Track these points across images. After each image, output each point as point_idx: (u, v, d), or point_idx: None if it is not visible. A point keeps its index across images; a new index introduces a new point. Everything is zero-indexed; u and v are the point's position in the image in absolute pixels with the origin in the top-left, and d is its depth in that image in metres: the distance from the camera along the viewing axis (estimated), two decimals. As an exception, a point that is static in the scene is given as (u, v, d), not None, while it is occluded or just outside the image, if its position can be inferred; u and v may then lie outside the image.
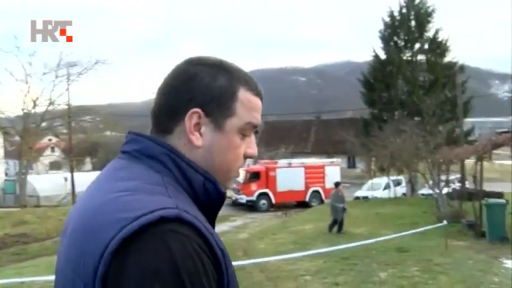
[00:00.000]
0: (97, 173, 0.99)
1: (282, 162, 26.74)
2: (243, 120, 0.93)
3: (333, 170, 25.19)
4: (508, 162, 54.64)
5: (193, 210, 0.82)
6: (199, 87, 0.91)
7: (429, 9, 31.91)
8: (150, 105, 0.97)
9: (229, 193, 28.99)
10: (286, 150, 36.44)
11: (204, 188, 0.89)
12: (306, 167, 25.72)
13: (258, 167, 26.51)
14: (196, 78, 0.92)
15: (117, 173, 0.88)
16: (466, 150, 12.68)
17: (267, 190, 25.02)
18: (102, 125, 37.38)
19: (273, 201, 25.00)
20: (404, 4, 32.12)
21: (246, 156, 0.97)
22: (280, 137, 40.49)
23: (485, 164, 40.26)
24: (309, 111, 63.35)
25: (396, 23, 31.85)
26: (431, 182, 17.53)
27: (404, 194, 27.08)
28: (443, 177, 17.36)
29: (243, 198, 25.03)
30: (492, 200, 11.20)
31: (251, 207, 24.81)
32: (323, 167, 26.10)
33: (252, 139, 0.98)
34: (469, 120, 50.65)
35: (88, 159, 46.88)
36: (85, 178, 22.65)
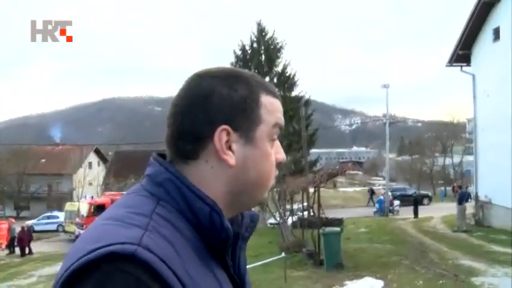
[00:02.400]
0: None
1: (130, 193, 25.25)
2: (270, 124, 0.88)
3: None
4: (350, 189, 59.83)
5: (168, 248, 0.73)
6: (220, 102, 0.85)
7: (279, 45, 33.61)
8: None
9: (72, 228, 26.77)
10: (135, 181, 34.60)
11: (210, 219, 0.81)
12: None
13: (102, 199, 24.89)
14: (215, 93, 0.85)
15: (124, 198, 0.86)
16: (306, 180, 13.05)
17: (112, 224, 23.32)
18: None
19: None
20: (255, 39, 33.40)
21: (277, 163, 0.91)
22: (131, 167, 38.57)
23: (330, 191, 43.54)
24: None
25: (248, 57, 32.88)
26: (276, 213, 17.84)
27: (253, 224, 27.27)
28: (288, 207, 17.78)
29: (87, 233, 22.93)
30: (328, 229, 11.56)
31: (95, 242, 22.85)
32: None
33: (279, 144, 0.92)
34: (315, 151, 54.47)
35: None
36: None
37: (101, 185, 45.53)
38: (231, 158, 0.85)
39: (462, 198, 18.75)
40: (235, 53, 32.91)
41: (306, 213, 16.07)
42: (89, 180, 47.82)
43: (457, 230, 17.60)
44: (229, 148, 0.85)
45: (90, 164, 51.82)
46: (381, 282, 9.31)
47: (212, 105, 0.85)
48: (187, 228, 0.80)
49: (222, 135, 0.84)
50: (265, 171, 0.88)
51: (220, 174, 0.85)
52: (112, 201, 23.75)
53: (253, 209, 0.98)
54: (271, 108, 0.89)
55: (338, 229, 11.58)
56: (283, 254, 10.34)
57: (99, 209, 23.38)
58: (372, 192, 41.21)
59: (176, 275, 0.71)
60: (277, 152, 0.91)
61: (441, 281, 9.19)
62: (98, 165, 53.87)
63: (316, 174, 11.85)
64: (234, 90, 0.86)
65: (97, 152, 54.83)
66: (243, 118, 0.86)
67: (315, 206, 13.30)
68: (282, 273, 10.33)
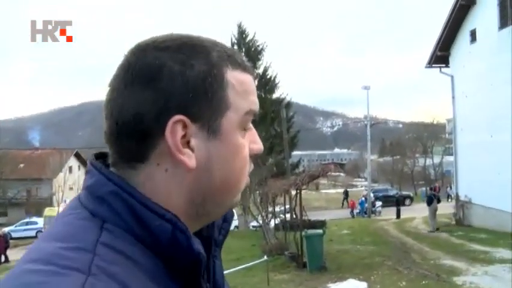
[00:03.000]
0: None
1: None
2: (242, 111, 0.68)
3: None
4: (332, 191, 60.15)
5: None
6: (171, 84, 0.63)
7: (259, 47, 33.66)
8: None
9: None
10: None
11: (173, 240, 0.61)
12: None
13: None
14: (163, 71, 0.63)
15: (58, 223, 0.63)
16: (288, 182, 13.00)
17: None
18: None
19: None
20: (235, 41, 33.38)
21: (253, 155, 0.72)
22: (112, 171, 38.27)
23: (313, 193, 43.67)
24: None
25: (228, 58, 32.88)
26: (259, 215, 17.77)
27: (236, 227, 27.26)
28: (271, 209, 17.72)
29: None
30: (310, 231, 11.52)
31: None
32: None
33: (254, 132, 0.72)
34: (297, 153, 54.64)
35: None
36: None
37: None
38: (189, 158, 0.64)
39: (430, 199, 18.94)
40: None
41: (288, 215, 16.04)
42: (69, 184, 47.10)
43: (431, 231, 17.85)
44: (187, 145, 0.65)
45: (70, 168, 51.06)
46: (364, 284, 9.28)
47: (160, 89, 0.63)
48: (143, 254, 0.61)
49: (175, 128, 0.63)
50: (236, 169, 0.69)
51: (177, 180, 0.65)
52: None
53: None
54: (242, 88, 0.68)
55: (320, 231, 11.55)
56: (265, 257, 10.26)
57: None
58: (346, 194, 41.19)
59: None
60: (252, 142, 0.72)
61: (424, 282, 9.21)
62: (79, 169, 53.05)
63: (297, 176, 11.79)
64: (189, 66, 0.64)
65: (77, 156, 54.03)
66: (204, 104, 0.65)
67: (297, 208, 13.26)
68: (265, 276, 10.24)
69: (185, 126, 0.64)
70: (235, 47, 33.20)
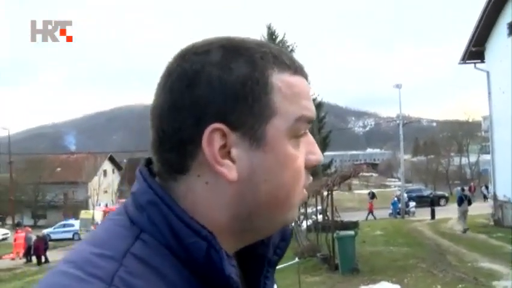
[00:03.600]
0: None
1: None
2: (291, 117, 0.61)
3: None
4: (365, 191, 59.42)
5: None
6: (209, 90, 0.59)
7: (289, 48, 33.58)
8: None
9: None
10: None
11: (208, 259, 0.58)
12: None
13: (116, 206, 25.01)
14: (201, 76, 0.60)
15: (101, 226, 0.64)
16: (319, 183, 12.89)
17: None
18: None
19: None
20: (265, 43, 33.43)
21: (309, 167, 0.65)
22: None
23: (346, 194, 43.11)
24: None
25: (259, 61, 33.05)
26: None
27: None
28: (302, 210, 17.61)
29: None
30: (342, 233, 11.37)
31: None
32: None
33: (311, 140, 0.66)
34: (329, 153, 54.18)
35: None
36: None
37: (115, 193, 45.83)
38: (229, 170, 0.60)
39: (461, 200, 18.67)
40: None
41: (320, 216, 15.89)
42: (104, 188, 48.21)
43: (462, 232, 17.56)
44: (228, 155, 0.60)
45: (105, 171, 52.26)
46: (397, 287, 9.07)
47: (197, 95, 0.59)
48: (178, 271, 0.58)
49: (213, 137, 0.59)
50: (286, 182, 0.62)
51: (219, 193, 0.61)
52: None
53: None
54: (291, 92, 0.62)
55: (352, 233, 11.38)
56: (296, 259, 10.16)
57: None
58: (372, 196, 38.73)
59: None
60: (309, 152, 0.65)
61: (460, 285, 8.91)
62: (113, 172, 54.33)
63: (329, 177, 11.66)
64: (227, 69, 0.60)
65: (111, 160, 55.30)
66: (244, 110, 0.60)
67: (329, 209, 13.12)
68: (296, 278, 10.12)
69: (224, 135, 0.60)
70: (265, 49, 33.21)
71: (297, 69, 0.64)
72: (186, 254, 0.58)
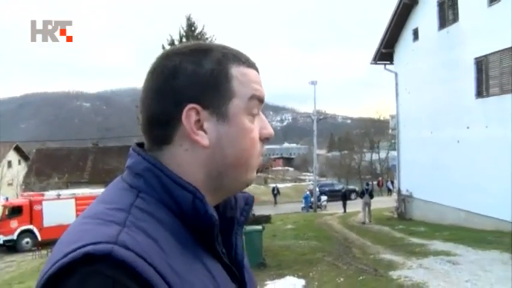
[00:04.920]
0: None
1: (50, 194, 23.71)
2: (245, 97, 0.83)
3: None
4: (281, 185, 60.50)
5: (149, 243, 0.70)
6: (186, 80, 0.81)
7: (208, 40, 33.12)
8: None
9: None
10: (59, 180, 33.03)
11: (193, 207, 0.77)
12: (77, 198, 23.17)
13: (20, 200, 23.29)
14: (179, 70, 0.81)
15: (104, 193, 0.84)
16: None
17: (31, 226, 21.82)
18: None
19: (39, 238, 21.85)
20: (183, 33, 32.68)
21: (263, 139, 0.86)
22: (54, 166, 36.49)
23: (262, 187, 43.40)
24: (93, 138, 59.33)
25: (177, 51, 32.35)
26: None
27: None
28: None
29: (0, 238, 21.36)
30: (249, 227, 11.33)
31: (11, 247, 21.36)
32: (96, 197, 24.14)
33: (263, 118, 0.87)
34: (247, 147, 54.43)
35: None
36: None
37: (21, 185, 42.83)
38: (202, 138, 0.80)
39: (363, 193, 20.64)
40: (163, 47, 31.98)
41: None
42: (7, 180, 44.87)
43: (362, 223, 19.04)
44: (201, 128, 0.80)
45: (9, 162, 48.61)
46: (302, 281, 9.20)
47: (178, 84, 0.80)
48: (171, 219, 0.76)
49: (190, 114, 0.79)
50: (244, 148, 0.82)
51: (196, 157, 0.81)
52: (31, 202, 22.39)
53: (247, 192, 0.92)
54: (244, 79, 0.83)
55: (259, 227, 11.37)
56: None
57: (15, 211, 21.80)
58: (277, 191, 39.64)
59: (157, 271, 0.67)
60: (262, 127, 0.86)
61: (361, 277, 9.22)
62: (19, 163, 50.69)
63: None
64: (199, 65, 0.81)
65: (18, 150, 51.59)
66: (213, 94, 0.81)
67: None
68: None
69: (197, 113, 0.80)
70: (184, 39, 32.42)
71: (250, 64, 0.86)
72: (176, 205, 0.77)
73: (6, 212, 21.75)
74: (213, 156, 0.81)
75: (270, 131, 0.86)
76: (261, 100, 0.85)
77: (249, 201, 0.92)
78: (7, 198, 27.34)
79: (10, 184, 45.02)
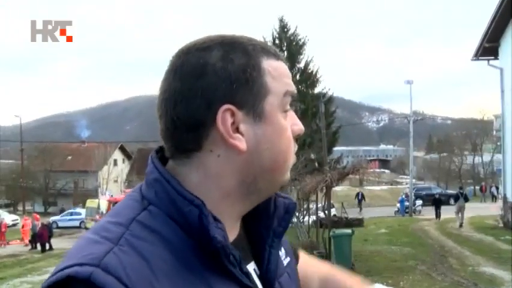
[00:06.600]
0: None
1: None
2: (280, 93, 0.76)
3: None
4: (377, 187, 58.78)
5: (138, 265, 0.64)
6: (216, 78, 0.72)
7: (301, 41, 33.09)
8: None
9: (92, 225, 26.91)
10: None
11: (200, 223, 0.69)
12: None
13: (122, 196, 25.02)
14: (207, 67, 0.72)
15: (120, 201, 0.78)
16: (317, 180, 12.54)
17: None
18: None
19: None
20: (277, 35, 32.96)
21: (295, 136, 0.79)
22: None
23: (356, 189, 42.11)
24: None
25: (270, 53, 32.69)
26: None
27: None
28: (305, 206, 17.31)
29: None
30: (338, 231, 11.03)
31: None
32: None
33: (293, 114, 0.79)
34: (340, 148, 53.64)
35: None
36: None
37: (124, 182, 45.97)
38: (240, 142, 0.72)
39: (457, 196, 20.41)
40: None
41: (320, 213, 15.56)
42: (113, 177, 48.41)
43: (461, 225, 19.07)
44: (237, 130, 0.72)
45: (115, 161, 52.48)
46: (391, 290, 8.75)
47: (207, 83, 0.71)
48: (178, 236, 0.69)
49: (225, 116, 0.71)
50: (283, 148, 0.76)
51: (230, 163, 0.73)
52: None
53: (290, 198, 0.84)
54: (277, 73, 0.76)
55: (348, 231, 11.00)
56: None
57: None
58: (362, 196, 36.41)
59: None
60: (293, 124, 0.78)
61: (457, 290, 8.57)
62: (123, 162, 54.51)
63: (327, 173, 11.31)
64: (229, 60, 0.72)
65: (122, 149, 55.50)
66: (246, 92, 0.73)
67: (328, 204, 12.80)
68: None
69: (233, 114, 0.72)
70: (277, 41, 32.75)
71: (279, 56, 0.78)
72: (184, 220, 0.70)
73: (111, 207, 23.45)
74: (249, 160, 0.73)
75: (301, 127, 0.79)
76: (293, 95, 0.77)
77: (290, 210, 0.83)
78: (112, 195, 29.43)
79: (115, 181, 48.59)
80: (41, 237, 22.11)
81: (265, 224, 0.80)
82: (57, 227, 30.78)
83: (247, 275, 0.74)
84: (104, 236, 0.66)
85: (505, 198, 19.31)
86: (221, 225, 0.70)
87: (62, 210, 38.84)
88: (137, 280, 0.62)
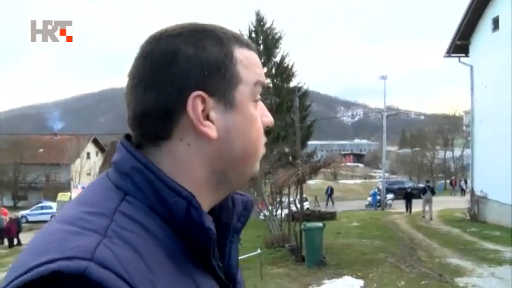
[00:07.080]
0: None
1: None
2: (251, 82, 0.74)
3: None
4: (350, 181, 59.48)
5: (132, 258, 0.59)
6: (187, 65, 0.70)
7: (277, 35, 33.07)
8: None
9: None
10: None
11: (187, 217, 0.67)
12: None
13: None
14: (179, 54, 0.70)
15: (85, 191, 0.72)
16: (289, 173, 12.58)
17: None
18: None
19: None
20: (253, 29, 32.87)
21: (264, 127, 0.78)
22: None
23: (330, 183, 42.51)
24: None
25: (245, 46, 32.61)
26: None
27: (247, 216, 26.93)
28: (278, 199, 17.35)
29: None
30: (310, 224, 11.10)
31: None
32: None
33: (263, 105, 0.78)
34: (314, 142, 53.98)
35: None
36: None
37: (97, 175, 45.25)
38: (211, 130, 0.70)
39: (425, 190, 21.53)
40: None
41: (293, 206, 15.63)
42: (86, 170, 47.62)
43: (423, 217, 20.27)
44: (207, 118, 0.70)
45: (88, 154, 51.59)
46: (360, 282, 8.85)
47: (178, 70, 0.69)
48: (160, 228, 0.65)
49: (196, 103, 0.69)
50: (253, 138, 0.74)
51: (200, 152, 0.71)
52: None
53: (247, 196, 0.83)
54: (248, 62, 0.74)
55: (319, 224, 11.09)
56: (259, 250, 9.91)
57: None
58: (331, 191, 36.29)
59: None
60: (263, 115, 0.77)
61: (424, 282, 8.71)
62: (96, 155, 53.68)
63: (299, 167, 11.36)
64: (201, 47, 0.70)
65: (95, 142, 54.59)
66: (218, 79, 0.71)
67: (301, 198, 12.86)
68: (261, 269, 9.92)
69: (203, 101, 0.69)
70: (253, 34, 32.63)
71: (250, 46, 0.76)
72: (168, 212, 0.66)
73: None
74: (219, 150, 0.71)
75: (271, 118, 0.78)
76: (263, 85, 0.76)
77: (248, 206, 0.81)
78: (83, 187, 28.99)
79: (89, 174, 47.79)
80: (8, 232, 21.59)
81: (225, 220, 0.78)
82: (27, 222, 30.14)
83: (220, 269, 0.73)
84: (85, 227, 0.60)
85: (472, 192, 19.77)
86: (210, 218, 0.69)
87: (37, 203, 38.06)
88: (136, 275, 0.57)
